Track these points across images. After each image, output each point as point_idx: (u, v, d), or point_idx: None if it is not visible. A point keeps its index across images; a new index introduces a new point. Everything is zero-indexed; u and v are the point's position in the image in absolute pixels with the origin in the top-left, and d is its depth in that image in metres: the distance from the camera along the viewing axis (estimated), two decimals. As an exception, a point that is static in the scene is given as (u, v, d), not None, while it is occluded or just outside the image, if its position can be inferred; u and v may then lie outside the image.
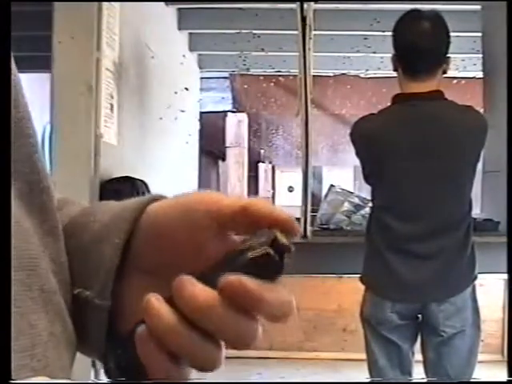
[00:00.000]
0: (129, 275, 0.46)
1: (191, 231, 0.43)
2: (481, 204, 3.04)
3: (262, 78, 6.06)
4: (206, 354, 0.40)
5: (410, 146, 2.14)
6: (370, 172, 2.25)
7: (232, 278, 0.38)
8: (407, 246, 2.14)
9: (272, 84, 6.20)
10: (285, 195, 6.56)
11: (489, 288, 3.94)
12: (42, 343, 0.39)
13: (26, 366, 0.37)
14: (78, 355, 0.46)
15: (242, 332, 0.39)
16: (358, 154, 2.28)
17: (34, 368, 0.37)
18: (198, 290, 0.39)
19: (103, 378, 2.38)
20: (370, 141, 2.21)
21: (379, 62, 4.60)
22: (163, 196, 0.47)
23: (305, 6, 2.76)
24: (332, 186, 3.18)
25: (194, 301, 0.38)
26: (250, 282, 0.38)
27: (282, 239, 0.40)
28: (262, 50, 4.44)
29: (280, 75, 5.69)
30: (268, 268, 0.39)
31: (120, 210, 0.47)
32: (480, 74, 3.25)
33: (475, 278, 2.18)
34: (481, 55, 3.16)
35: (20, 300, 0.38)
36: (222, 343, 0.40)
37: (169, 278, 0.42)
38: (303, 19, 2.75)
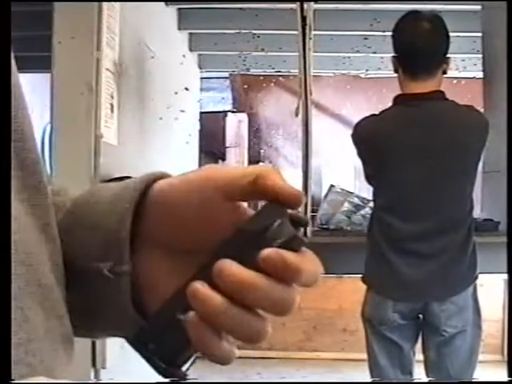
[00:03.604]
0: (141, 248, 0.47)
1: (201, 207, 0.45)
2: (481, 204, 3.04)
3: (262, 77, 6.05)
4: (254, 328, 0.42)
5: (412, 146, 2.15)
6: (372, 172, 2.26)
7: (272, 252, 0.41)
8: (409, 246, 2.15)
9: (272, 84, 6.20)
10: (285, 195, 6.55)
11: (489, 288, 3.94)
12: (38, 338, 0.39)
13: (21, 361, 0.37)
14: (77, 355, 0.46)
15: (283, 301, 0.42)
16: (359, 154, 2.28)
17: (29, 363, 0.37)
18: (237, 270, 0.41)
19: (103, 378, 2.38)
20: (372, 142, 2.21)
21: (379, 62, 4.59)
22: (168, 174, 0.49)
23: (305, 6, 2.76)
24: (332, 186, 3.18)
25: (237, 280, 0.41)
26: (289, 255, 0.41)
27: (300, 217, 0.44)
28: (262, 50, 4.44)
29: (280, 75, 5.68)
30: (293, 245, 0.43)
31: (126, 184, 0.48)
32: (480, 74, 3.25)
33: (476, 277, 2.18)
34: (481, 55, 3.15)
35: (19, 294, 0.38)
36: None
37: (181, 250, 0.45)
38: (303, 19, 2.75)
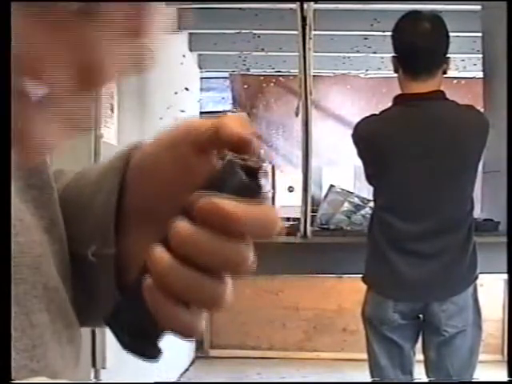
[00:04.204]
0: (127, 225, 0.46)
1: (175, 160, 0.43)
2: (481, 204, 3.04)
3: (262, 78, 6.05)
4: (207, 291, 0.39)
5: (412, 146, 2.15)
6: (373, 172, 2.26)
7: (205, 201, 0.38)
8: (409, 246, 2.15)
9: (272, 84, 6.19)
10: (285, 195, 6.55)
11: (489, 288, 3.94)
12: (43, 343, 0.38)
13: (25, 367, 0.36)
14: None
15: (231, 254, 0.39)
16: (359, 154, 2.28)
17: (33, 369, 0.37)
18: (182, 227, 0.38)
19: (103, 378, 2.38)
20: (372, 142, 2.21)
21: (379, 62, 4.59)
22: (144, 142, 0.47)
23: (305, 6, 2.76)
24: (332, 186, 3.18)
25: (178, 235, 0.38)
26: (223, 202, 0.38)
27: (249, 164, 0.40)
28: (262, 50, 4.44)
29: (280, 75, 5.68)
30: (247, 195, 0.39)
31: (108, 162, 0.47)
32: (480, 74, 3.25)
33: (477, 277, 2.19)
34: (481, 55, 3.15)
35: (24, 299, 0.38)
36: (226, 278, 0.40)
37: (163, 220, 0.42)
38: (303, 19, 2.75)
